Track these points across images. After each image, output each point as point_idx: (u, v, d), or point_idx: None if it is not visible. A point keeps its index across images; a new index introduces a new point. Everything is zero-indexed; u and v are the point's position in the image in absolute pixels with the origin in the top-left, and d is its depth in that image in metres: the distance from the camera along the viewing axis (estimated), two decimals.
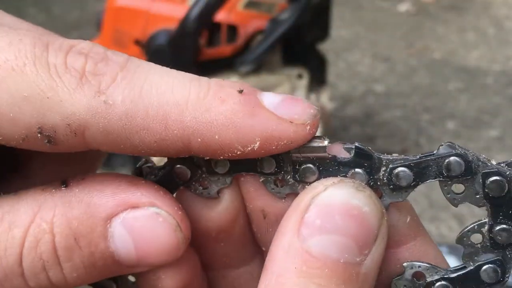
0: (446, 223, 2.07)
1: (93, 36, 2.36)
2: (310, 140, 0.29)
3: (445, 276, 0.30)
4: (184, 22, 1.98)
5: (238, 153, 0.28)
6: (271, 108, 0.28)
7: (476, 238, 0.30)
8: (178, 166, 0.32)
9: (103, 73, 0.28)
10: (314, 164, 0.30)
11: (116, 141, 0.28)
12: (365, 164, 0.30)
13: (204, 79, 0.29)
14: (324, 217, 0.28)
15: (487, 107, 2.88)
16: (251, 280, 0.32)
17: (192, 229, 0.31)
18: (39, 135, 0.28)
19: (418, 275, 0.30)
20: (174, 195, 0.33)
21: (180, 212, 0.28)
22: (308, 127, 0.28)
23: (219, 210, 0.32)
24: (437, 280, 0.30)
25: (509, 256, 0.30)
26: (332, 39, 2.90)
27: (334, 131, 2.61)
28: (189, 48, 2.02)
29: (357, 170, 0.30)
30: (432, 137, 2.63)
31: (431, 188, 2.22)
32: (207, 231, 0.33)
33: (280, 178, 0.31)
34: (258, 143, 0.28)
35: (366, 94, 3.02)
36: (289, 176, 0.30)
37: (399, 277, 0.31)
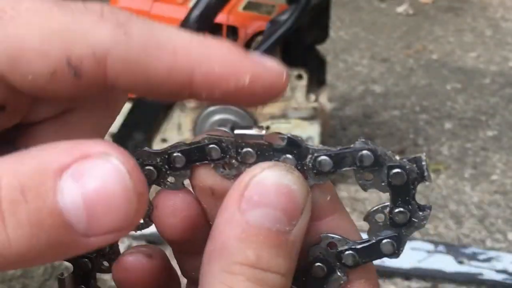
0: (443, 222, 2.09)
1: None
2: (251, 129, 0.35)
3: (353, 246, 0.35)
4: (185, 23, 2.00)
5: (232, 87, 0.32)
6: (255, 57, 0.33)
7: (380, 217, 0.36)
8: (147, 168, 0.37)
9: (119, 13, 0.32)
10: (253, 149, 0.35)
11: (133, 70, 0.31)
12: (294, 151, 0.35)
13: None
14: (260, 194, 0.32)
15: (484, 107, 2.90)
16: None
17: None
18: (66, 67, 0.30)
19: (332, 245, 0.36)
20: (152, 194, 0.37)
21: (132, 162, 0.27)
22: (284, 77, 0.33)
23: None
24: (346, 250, 0.35)
25: (404, 233, 0.35)
26: (331, 40, 2.92)
27: (333, 131, 2.63)
28: None
29: (288, 156, 0.35)
30: (430, 137, 2.65)
31: (429, 189, 2.24)
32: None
33: (226, 162, 0.36)
34: (248, 79, 0.32)
35: (364, 94, 3.04)
36: (233, 160, 0.35)
37: (316, 245, 0.36)
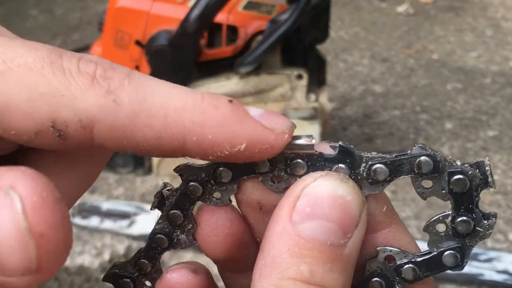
0: None
1: (94, 37, 2.38)
2: (300, 138, 0.34)
3: (412, 260, 0.34)
4: (184, 23, 1.99)
5: (226, 153, 0.31)
6: (256, 118, 0.32)
7: (441, 227, 0.34)
8: (191, 184, 0.36)
9: (112, 77, 0.31)
10: (303, 160, 0.34)
11: (120, 137, 0.31)
12: (347, 160, 0.33)
13: (199, 91, 0.32)
14: (313, 205, 0.31)
15: (485, 107, 2.90)
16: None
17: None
18: (51, 129, 0.30)
19: (389, 258, 0.34)
20: (193, 211, 0.37)
21: (38, 199, 0.25)
22: (286, 136, 0.32)
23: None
24: (405, 263, 0.34)
25: (468, 244, 0.34)
26: (332, 40, 2.91)
27: (333, 131, 2.63)
28: (189, 49, 2.03)
29: (341, 165, 0.34)
30: (430, 137, 2.65)
31: None
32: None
33: (275, 174, 0.35)
34: (244, 145, 0.31)
35: (365, 94, 3.03)
36: (282, 172, 0.34)
37: (373, 259, 0.34)
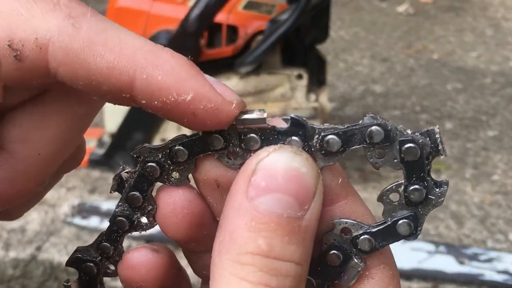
0: (444, 222, 2.08)
1: None
2: (252, 112, 0.34)
3: (368, 230, 0.34)
4: (184, 22, 1.99)
5: (172, 99, 0.31)
6: (208, 80, 0.33)
7: (394, 197, 0.34)
8: (148, 165, 0.36)
9: (75, 7, 0.32)
10: (256, 134, 0.34)
11: (74, 61, 0.31)
12: (300, 132, 0.33)
13: (160, 45, 0.33)
14: (268, 179, 0.31)
15: (485, 107, 2.90)
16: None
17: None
18: (8, 48, 0.30)
19: (346, 231, 0.34)
20: (152, 191, 0.37)
21: None
22: (234, 105, 0.32)
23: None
24: (361, 235, 0.34)
25: (421, 212, 0.34)
26: (332, 40, 2.91)
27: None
28: (189, 49, 2.03)
29: (294, 138, 0.33)
30: None
31: None
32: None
33: (230, 151, 0.34)
34: (190, 95, 0.31)
35: (365, 94, 3.03)
36: (237, 148, 0.34)
37: (329, 232, 0.34)
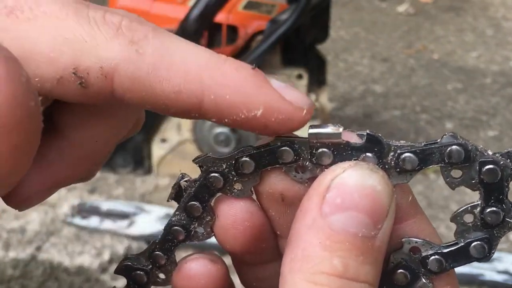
0: (445, 223, 2.08)
1: None
2: (326, 127, 0.33)
3: (439, 251, 0.33)
4: (184, 22, 1.99)
5: (242, 117, 0.31)
6: (276, 88, 0.32)
7: (468, 218, 0.33)
8: (212, 175, 0.35)
9: (137, 29, 0.31)
10: (329, 149, 0.33)
11: (140, 89, 0.31)
12: (375, 149, 0.33)
13: (222, 55, 0.32)
14: (343, 196, 0.30)
15: (485, 107, 2.89)
16: (275, 274, 0.34)
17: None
18: (73, 76, 0.30)
19: (415, 250, 0.33)
20: (212, 202, 0.36)
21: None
22: (305, 111, 0.32)
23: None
24: (431, 255, 0.33)
25: (496, 235, 0.33)
26: (332, 40, 2.91)
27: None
28: None
29: (368, 154, 0.33)
30: (430, 137, 2.64)
31: (430, 189, 2.23)
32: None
33: (300, 164, 0.33)
34: (261, 110, 0.31)
35: (365, 94, 3.03)
36: (306, 162, 0.33)
37: (397, 251, 0.33)
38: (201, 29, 2.01)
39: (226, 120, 0.31)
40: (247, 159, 0.34)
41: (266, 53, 2.02)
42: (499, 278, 1.83)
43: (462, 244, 0.33)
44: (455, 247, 0.33)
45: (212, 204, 0.36)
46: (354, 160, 0.32)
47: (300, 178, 0.34)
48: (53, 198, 2.10)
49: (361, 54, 3.49)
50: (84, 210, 2.04)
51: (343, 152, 0.33)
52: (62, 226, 1.98)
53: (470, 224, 0.33)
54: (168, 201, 0.37)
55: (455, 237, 0.34)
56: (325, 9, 2.24)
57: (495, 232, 0.33)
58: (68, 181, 0.36)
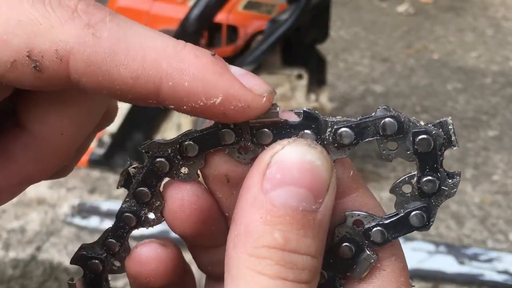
0: (444, 223, 2.08)
1: None
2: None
3: (380, 222, 0.34)
4: (184, 22, 1.99)
5: (201, 104, 0.31)
6: (236, 75, 0.32)
7: (407, 188, 0.34)
8: (157, 160, 0.35)
9: (94, 13, 0.31)
10: (268, 128, 0.33)
11: (96, 73, 0.30)
12: (312, 125, 0.33)
13: (181, 41, 0.32)
14: (283, 172, 0.31)
15: (485, 107, 2.89)
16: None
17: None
18: (27, 59, 0.30)
19: (358, 223, 0.34)
20: (160, 187, 0.37)
21: None
22: (265, 99, 0.32)
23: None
24: (374, 226, 0.34)
25: (433, 203, 0.34)
26: (332, 40, 2.91)
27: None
28: None
29: (306, 131, 0.33)
30: None
31: None
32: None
33: (242, 145, 0.34)
34: (220, 98, 0.31)
35: (365, 94, 3.03)
36: (248, 143, 0.34)
37: (341, 225, 0.34)
38: (201, 29, 2.01)
39: (184, 107, 0.31)
40: (190, 142, 0.35)
41: (266, 53, 2.02)
42: (499, 278, 1.83)
43: (402, 214, 0.34)
44: (395, 218, 0.34)
45: (161, 189, 0.37)
46: (294, 137, 0.33)
47: (243, 159, 0.34)
48: (53, 198, 2.10)
49: (361, 54, 3.49)
50: (84, 210, 2.04)
51: (282, 131, 0.33)
52: (62, 226, 1.98)
53: (409, 195, 0.34)
54: (117, 188, 0.37)
55: (395, 208, 0.34)
56: (325, 9, 2.24)
57: (432, 200, 0.34)
58: (39, 177, 0.36)
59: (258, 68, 2.08)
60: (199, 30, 2.00)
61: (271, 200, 0.30)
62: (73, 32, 0.30)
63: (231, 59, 2.09)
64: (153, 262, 0.37)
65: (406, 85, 3.11)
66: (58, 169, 0.37)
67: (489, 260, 1.88)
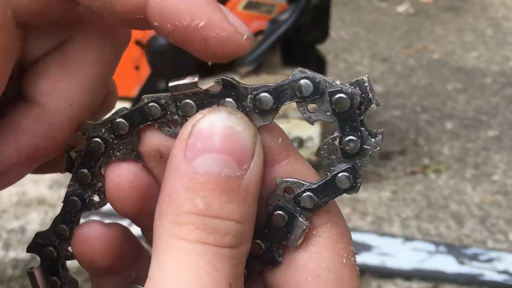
0: (444, 222, 2.08)
1: None
2: (183, 78, 0.34)
3: (309, 187, 0.33)
4: None
5: (184, 23, 0.31)
6: (222, 10, 0.32)
7: (332, 150, 0.34)
8: (93, 140, 0.36)
9: None
10: (191, 99, 0.34)
11: None
12: (232, 93, 0.33)
13: None
14: (204, 139, 0.31)
15: (485, 107, 2.89)
16: None
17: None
18: None
19: (289, 190, 0.34)
20: (100, 168, 0.37)
21: None
22: (245, 37, 0.32)
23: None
24: (303, 192, 0.33)
25: (358, 164, 0.33)
26: (332, 40, 2.91)
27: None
28: None
29: (227, 99, 0.33)
30: (430, 137, 2.64)
31: (430, 189, 2.23)
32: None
33: (169, 119, 0.34)
34: (203, 22, 0.31)
35: None
36: (175, 116, 0.34)
37: (273, 193, 0.34)
38: None
39: (168, 25, 0.31)
40: (121, 119, 0.35)
41: (266, 53, 2.02)
42: (499, 278, 1.83)
43: (329, 177, 0.33)
44: (323, 181, 0.33)
45: (102, 171, 0.37)
46: (214, 106, 0.33)
47: (173, 133, 0.34)
48: (53, 198, 2.10)
49: (361, 54, 3.49)
50: None
51: (204, 101, 0.33)
52: None
53: (334, 157, 0.34)
54: (61, 172, 0.38)
55: (322, 172, 0.34)
56: (325, 9, 2.24)
57: (357, 161, 0.33)
58: (47, 152, 0.36)
59: (258, 68, 2.08)
60: None
61: (193, 167, 0.30)
62: None
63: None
64: (94, 240, 0.37)
65: (406, 85, 3.11)
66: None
67: (489, 260, 1.88)
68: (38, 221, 2.00)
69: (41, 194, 2.11)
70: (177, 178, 0.31)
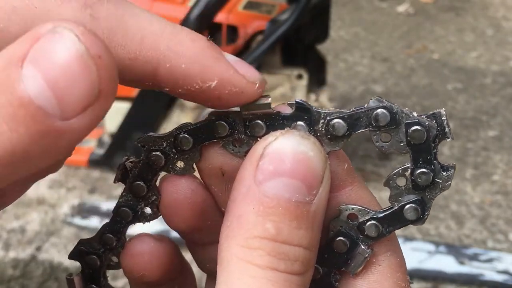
0: (444, 222, 2.08)
1: None
2: (257, 99, 0.33)
3: (374, 216, 0.33)
4: (184, 22, 1.99)
5: (197, 87, 0.31)
6: (230, 61, 0.32)
7: (401, 181, 0.33)
8: (153, 153, 0.35)
9: None
10: (261, 120, 0.33)
11: None
12: (305, 117, 0.33)
13: (178, 24, 0.32)
14: (276, 163, 0.30)
15: (485, 107, 2.89)
16: None
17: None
18: None
19: (352, 217, 0.34)
20: (157, 181, 0.36)
21: (82, 28, 0.25)
22: (257, 85, 0.32)
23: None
24: (368, 220, 0.33)
25: (428, 196, 0.33)
26: (332, 40, 2.91)
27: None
28: None
29: (299, 122, 0.33)
30: None
31: None
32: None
33: (235, 138, 0.34)
34: (215, 82, 0.31)
35: (365, 94, 3.03)
36: (242, 135, 0.34)
37: (336, 218, 0.34)
38: (201, 29, 2.01)
39: (180, 90, 0.31)
40: (185, 135, 0.35)
41: (266, 53, 2.02)
42: (499, 278, 1.83)
43: (396, 207, 0.33)
44: (389, 211, 0.33)
45: (157, 184, 0.37)
46: (286, 129, 0.33)
47: (238, 152, 0.34)
48: (53, 198, 2.10)
49: (361, 54, 3.49)
50: (84, 210, 2.04)
51: (275, 123, 0.33)
52: (62, 226, 1.98)
53: (403, 188, 0.33)
54: (114, 182, 0.37)
55: (389, 201, 0.34)
56: (325, 9, 2.24)
57: (427, 193, 0.33)
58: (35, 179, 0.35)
59: (258, 68, 2.08)
60: (199, 30, 2.00)
61: (264, 191, 0.30)
62: (70, 14, 0.29)
63: None
64: (146, 255, 0.37)
65: (406, 85, 3.11)
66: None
67: (489, 260, 1.88)
68: (38, 221, 2.00)
69: (41, 194, 2.11)
70: (247, 201, 0.30)
